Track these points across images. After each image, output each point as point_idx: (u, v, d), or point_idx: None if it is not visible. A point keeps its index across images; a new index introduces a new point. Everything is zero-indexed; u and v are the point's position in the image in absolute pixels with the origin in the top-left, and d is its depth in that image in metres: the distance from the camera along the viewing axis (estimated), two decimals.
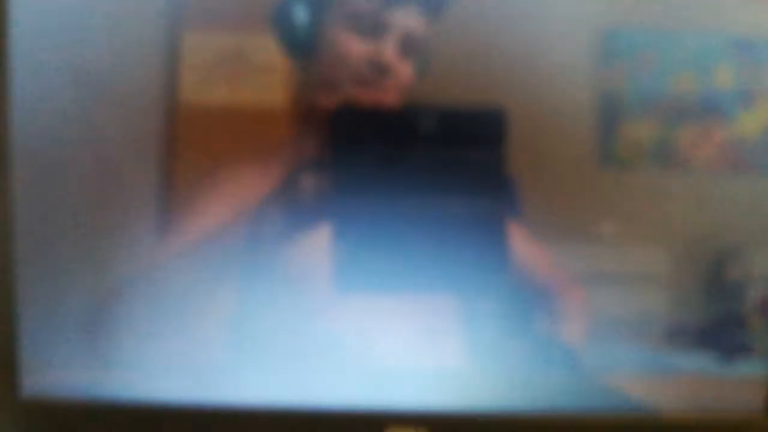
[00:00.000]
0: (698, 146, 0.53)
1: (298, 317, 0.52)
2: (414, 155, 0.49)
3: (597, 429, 0.53)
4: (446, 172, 0.49)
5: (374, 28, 0.51)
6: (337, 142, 0.49)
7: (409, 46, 0.52)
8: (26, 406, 0.51)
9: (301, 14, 0.51)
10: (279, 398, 0.52)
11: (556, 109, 0.52)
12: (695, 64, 0.53)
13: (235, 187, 0.52)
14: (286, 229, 0.51)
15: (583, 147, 0.53)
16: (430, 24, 0.52)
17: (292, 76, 0.52)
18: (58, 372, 0.52)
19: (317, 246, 0.51)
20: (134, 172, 0.51)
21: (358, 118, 0.49)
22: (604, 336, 0.54)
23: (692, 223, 0.54)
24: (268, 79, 0.51)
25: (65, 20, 0.50)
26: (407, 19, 0.51)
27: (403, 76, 0.52)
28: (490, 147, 0.49)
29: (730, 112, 0.53)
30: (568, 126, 0.52)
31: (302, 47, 0.52)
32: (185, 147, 0.51)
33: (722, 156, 0.53)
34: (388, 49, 0.51)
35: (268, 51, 0.51)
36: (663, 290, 0.54)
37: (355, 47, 0.51)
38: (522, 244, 0.51)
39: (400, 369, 0.53)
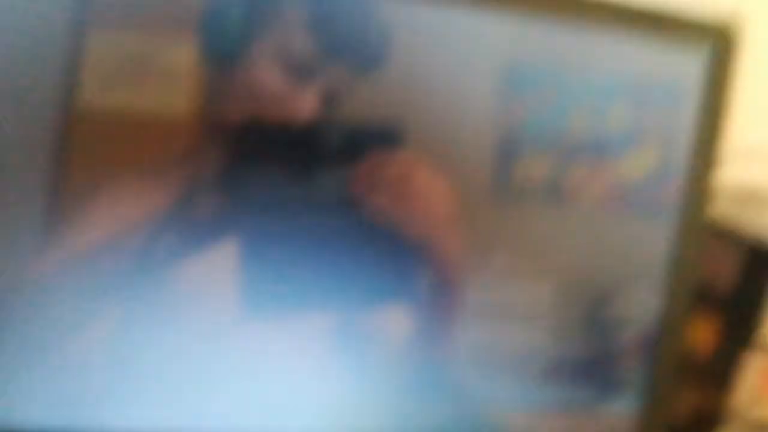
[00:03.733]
0: (587, 185, 0.54)
1: (186, 339, 0.50)
2: (319, 172, 0.49)
3: None
4: (348, 185, 0.49)
5: (300, 72, 0.48)
6: (242, 157, 0.48)
7: (329, 101, 0.49)
8: None
9: (234, 24, 0.48)
10: (160, 426, 0.50)
11: (456, 141, 0.51)
12: (592, 103, 0.54)
13: (130, 199, 0.48)
14: (182, 246, 0.49)
15: (480, 180, 0.52)
16: (354, 82, 0.49)
17: (200, 85, 0.48)
18: None
19: (215, 264, 0.49)
20: (20, 174, 0.47)
21: (263, 133, 0.48)
22: (487, 369, 0.54)
23: (577, 261, 0.55)
24: (174, 86, 0.48)
25: None
26: (335, 75, 0.49)
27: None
28: None
29: (619, 153, 0.54)
30: (467, 158, 0.52)
31: (223, 57, 0.48)
32: (79, 152, 0.47)
33: (608, 196, 0.55)
34: (307, 100, 0.49)
35: (178, 57, 0.47)
36: (545, 324, 0.55)
37: (273, 81, 0.48)
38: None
39: (285, 394, 0.51)
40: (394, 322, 0.52)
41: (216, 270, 0.49)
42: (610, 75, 0.54)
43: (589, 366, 0.55)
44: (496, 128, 0.52)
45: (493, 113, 0.52)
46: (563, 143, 0.53)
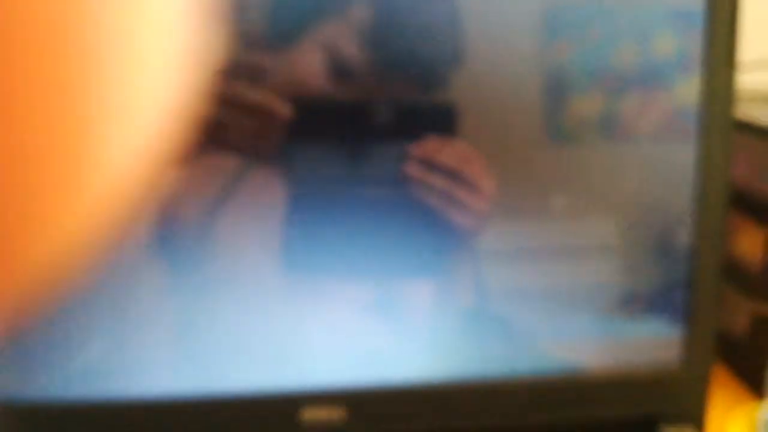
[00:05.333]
0: (642, 116, 0.54)
1: (232, 298, 0.52)
2: (372, 148, 0.50)
3: (520, 392, 0.55)
4: (399, 162, 0.50)
5: (340, 74, 0.50)
6: (295, 134, 0.49)
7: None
8: None
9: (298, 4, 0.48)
10: (192, 387, 0.51)
11: (503, 89, 0.51)
12: (635, 35, 0.53)
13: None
14: (235, 214, 0.51)
15: (532, 124, 0.52)
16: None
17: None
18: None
19: (264, 228, 0.51)
20: None
21: (316, 110, 0.49)
22: (556, 307, 0.55)
23: (639, 194, 0.55)
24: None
25: None
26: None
27: None
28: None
29: (671, 81, 0.54)
30: (517, 105, 0.52)
31: (277, 36, 0.49)
32: None
33: (665, 124, 0.55)
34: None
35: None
36: (614, 260, 0.55)
37: (314, 72, 0.50)
38: None
39: (319, 348, 0.53)
40: (425, 294, 0.54)
41: (264, 233, 0.51)
42: (650, 5, 0.53)
43: (663, 295, 0.56)
44: (542, 71, 0.52)
45: (537, 56, 0.51)
46: (612, 78, 0.53)
